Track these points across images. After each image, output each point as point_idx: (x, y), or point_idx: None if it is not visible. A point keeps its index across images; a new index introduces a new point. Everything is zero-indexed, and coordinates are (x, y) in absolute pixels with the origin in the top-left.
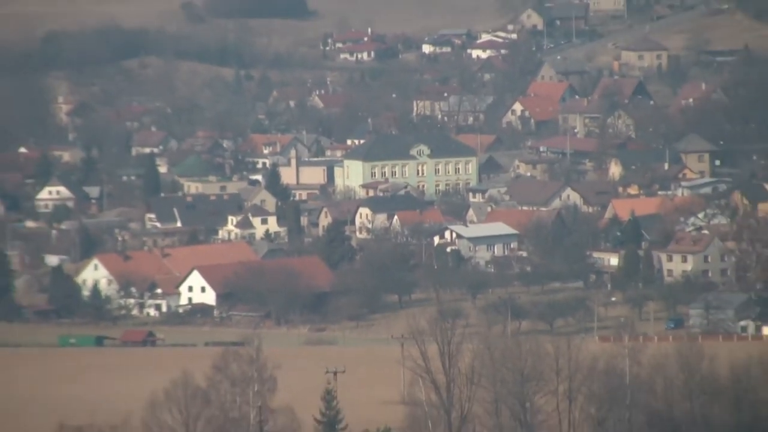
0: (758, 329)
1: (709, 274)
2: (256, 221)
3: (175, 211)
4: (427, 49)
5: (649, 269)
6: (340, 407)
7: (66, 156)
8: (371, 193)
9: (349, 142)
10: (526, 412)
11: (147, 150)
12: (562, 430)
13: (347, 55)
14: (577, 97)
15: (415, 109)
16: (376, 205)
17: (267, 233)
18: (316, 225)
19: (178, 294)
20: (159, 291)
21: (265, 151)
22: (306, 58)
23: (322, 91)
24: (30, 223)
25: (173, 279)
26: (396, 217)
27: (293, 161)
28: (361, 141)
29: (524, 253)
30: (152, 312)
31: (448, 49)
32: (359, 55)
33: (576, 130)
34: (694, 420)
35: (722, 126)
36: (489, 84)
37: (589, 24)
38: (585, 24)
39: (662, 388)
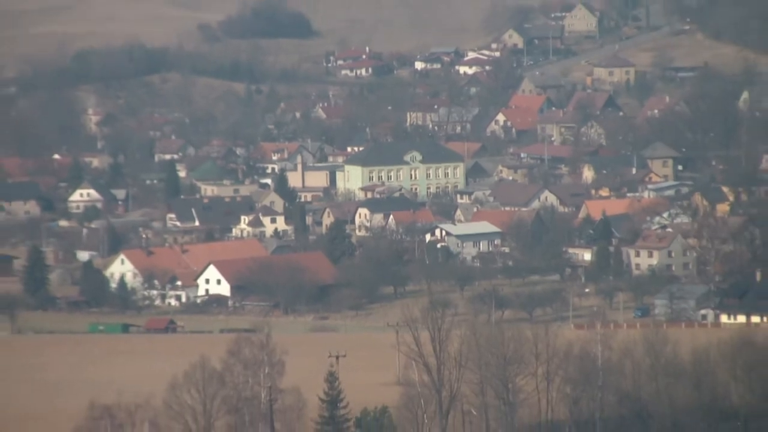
0: (717, 317)
1: (673, 268)
2: (266, 220)
3: (193, 211)
4: (419, 65)
5: (618, 264)
6: (341, 388)
7: (95, 162)
8: (369, 195)
9: (349, 149)
10: (509, 392)
11: (168, 156)
12: (540, 409)
13: (347, 71)
14: (553, 108)
15: (408, 119)
16: (373, 206)
17: (276, 231)
18: (320, 224)
19: (196, 286)
20: (179, 283)
21: (274, 158)
22: (310, 74)
23: (325, 104)
24: (63, 223)
25: (191, 273)
26: (391, 216)
27: (299, 166)
28: (360, 148)
29: (507, 249)
30: (173, 302)
31: (438, 66)
32: (358, 71)
33: (553, 138)
34: (659, 399)
35: (684, 135)
36: (475, 97)
37: (565, 43)
38: (561, 43)
39: (631, 370)
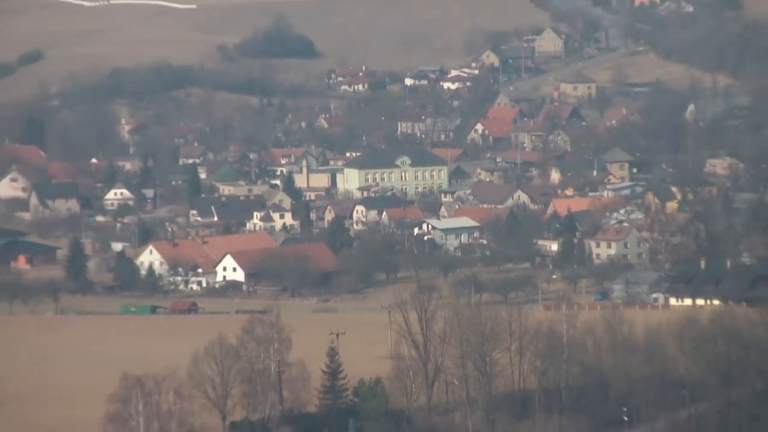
0: (666, 300)
1: (628, 258)
2: (276, 216)
3: (212, 208)
4: (408, 81)
5: (581, 253)
6: (341, 361)
7: (128, 165)
8: (365, 194)
9: (347, 154)
10: (486, 365)
11: (190, 161)
12: (514, 379)
13: (346, 87)
14: (525, 119)
15: (399, 128)
16: (369, 203)
17: (284, 226)
18: (322, 219)
19: (215, 273)
20: (200, 271)
21: (283, 162)
22: (314, 89)
23: (327, 115)
24: (99, 218)
25: (211, 261)
26: (384, 213)
27: (304, 169)
28: (357, 153)
29: (484, 241)
30: (195, 287)
31: (425, 82)
32: (355, 87)
33: (525, 145)
34: (617, 370)
35: (638, 142)
36: (457, 109)
37: (535, 62)
38: (531, 62)
39: (592, 346)
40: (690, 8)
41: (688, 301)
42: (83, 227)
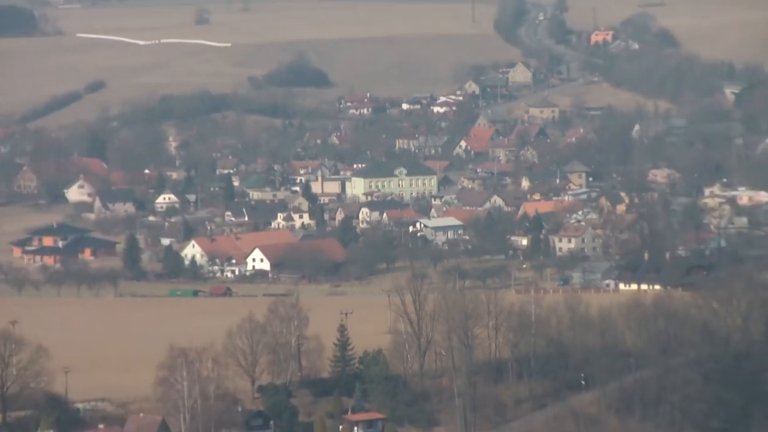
0: (616, 285)
1: (585, 251)
2: (296, 217)
3: (244, 210)
4: (405, 106)
5: (546, 247)
6: (349, 336)
7: (174, 175)
8: (369, 198)
9: (355, 165)
10: (468, 338)
11: (226, 171)
12: (491, 350)
13: (354, 111)
14: (500, 137)
15: (397, 145)
16: (372, 206)
17: (302, 224)
18: (334, 219)
19: (246, 263)
20: (233, 261)
21: (301, 172)
22: (327, 112)
23: (338, 133)
24: (151, 218)
25: (242, 254)
26: (385, 214)
27: (319, 178)
28: (363, 165)
29: (467, 237)
30: (229, 275)
31: (418, 106)
32: (361, 111)
33: (500, 158)
34: (575, 343)
35: (594, 155)
36: (444, 129)
37: (509, 90)
38: (506, 90)
39: (555, 323)
40: (636, 46)
41: (634, 287)
42: (138, 225)
